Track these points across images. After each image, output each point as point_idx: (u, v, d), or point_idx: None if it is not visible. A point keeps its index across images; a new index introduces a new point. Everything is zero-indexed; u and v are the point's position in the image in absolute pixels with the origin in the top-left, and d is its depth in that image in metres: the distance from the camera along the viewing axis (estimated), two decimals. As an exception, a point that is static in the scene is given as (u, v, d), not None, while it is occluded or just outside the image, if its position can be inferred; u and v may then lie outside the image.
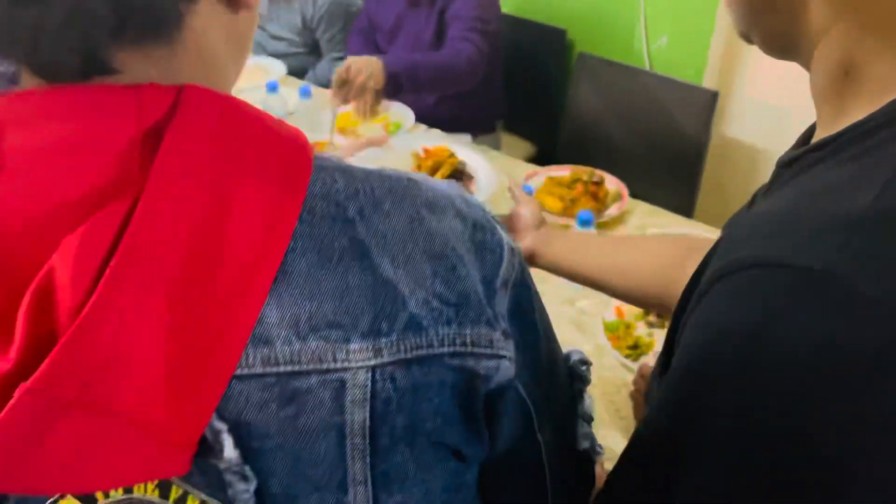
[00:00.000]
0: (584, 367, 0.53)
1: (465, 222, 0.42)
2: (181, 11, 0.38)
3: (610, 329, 1.32)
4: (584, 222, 1.39)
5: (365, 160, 1.11)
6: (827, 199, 0.41)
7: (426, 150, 1.12)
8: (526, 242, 0.99)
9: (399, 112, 2.11)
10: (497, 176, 1.06)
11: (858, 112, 0.44)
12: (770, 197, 0.51)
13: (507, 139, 2.47)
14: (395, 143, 1.16)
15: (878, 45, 0.43)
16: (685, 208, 2.14)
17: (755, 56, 2.05)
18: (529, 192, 1.40)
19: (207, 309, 0.35)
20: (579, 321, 1.37)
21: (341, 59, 2.47)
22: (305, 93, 1.92)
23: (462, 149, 1.12)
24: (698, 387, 0.42)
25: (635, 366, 1.24)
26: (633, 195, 1.75)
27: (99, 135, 0.36)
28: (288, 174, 0.39)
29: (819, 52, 0.47)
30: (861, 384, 0.36)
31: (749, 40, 0.53)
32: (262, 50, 2.55)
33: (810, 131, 0.54)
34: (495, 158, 1.94)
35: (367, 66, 1.83)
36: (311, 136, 1.90)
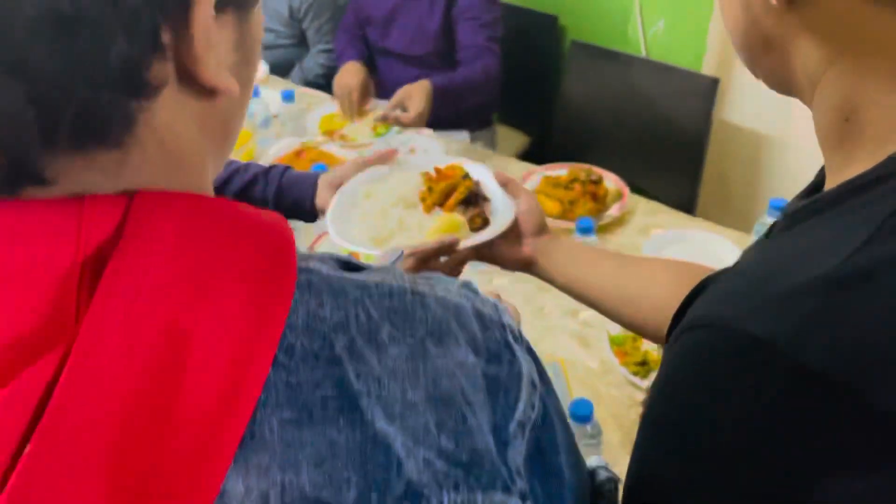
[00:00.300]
0: (609, 487, 0.48)
1: (478, 351, 0.36)
2: (131, 111, 0.31)
3: (616, 343, 1.26)
4: (584, 230, 1.33)
5: (370, 180, 1.04)
6: (800, 260, 0.40)
7: (438, 171, 1.05)
8: (525, 250, 0.95)
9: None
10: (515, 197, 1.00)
11: (863, 161, 0.42)
12: (757, 249, 0.51)
13: (501, 131, 2.40)
14: (404, 161, 1.10)
15: (876, 90, 0.42)
16: (687, 199, 2.08)
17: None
18: None
19: (156, 483, 0.29)
20: (583, 335, 1.32)
21: (329, 51, 2.38)
22: (288, 97, 1.85)
23: (476, 168, 1.05)
24: (653, 443, 0.44)
25: (645, 384, 1.19)
26: (633, 188, 1.69)
27: (27, 266, 0.30)
28: (264, 300, 0.32)
29: (818, 95, 0.45)
30: (794, 464, 0.35)
31: (757, 77, 0.52)
32: None
33: (821, 175, 0.53)
34: (490, 158, 1.87)
35: (427, 104, 1.79)
36: (296, 141, 1.82)
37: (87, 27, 0.29)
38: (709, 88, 1.90)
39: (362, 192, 1.02)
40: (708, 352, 0.39)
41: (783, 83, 0.49)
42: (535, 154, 2.50)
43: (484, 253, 0.95)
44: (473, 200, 0.98)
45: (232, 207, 0.34)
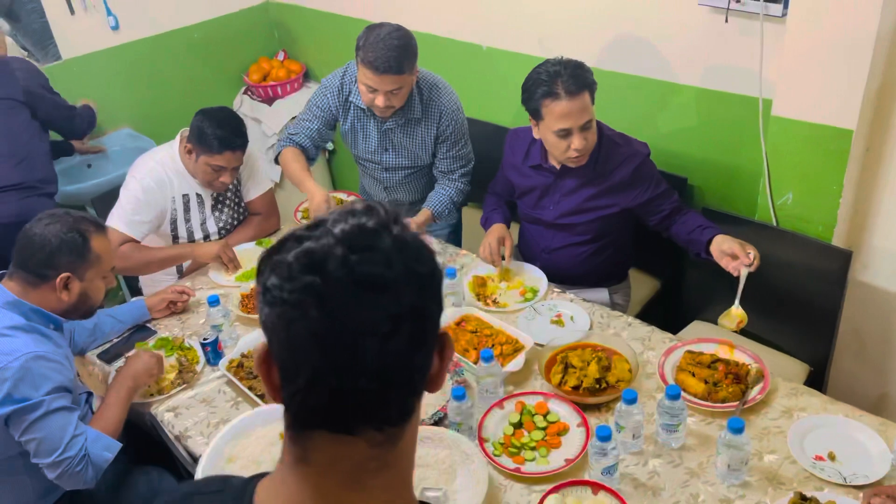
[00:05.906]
0: None
1: None
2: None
3: None
4: (736, 430, 1.46)
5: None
6: None
7: None
8: None
9: (533, 276, 2.26)
10: None
11: None
12: None
13: (633, 275, 2.54)
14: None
15: None
16: (823, 355, 2.14)
17: (886, 208, 2.07)
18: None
19: None
20: None
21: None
22: (451, 274, 2.09)
23: None
24: None
25: None
26: (764, 343, 1.77)
27: None
28: None
29: None
30: None
31: None
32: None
33: None
34: (630, 330, 2.00)
35: None
36: (457, 312, 2.04)
37: None
38: (843, 259, 2.01)
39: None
40: None
41: None
42: (665, 301, 2.63)
43: None
44: None
45: None
